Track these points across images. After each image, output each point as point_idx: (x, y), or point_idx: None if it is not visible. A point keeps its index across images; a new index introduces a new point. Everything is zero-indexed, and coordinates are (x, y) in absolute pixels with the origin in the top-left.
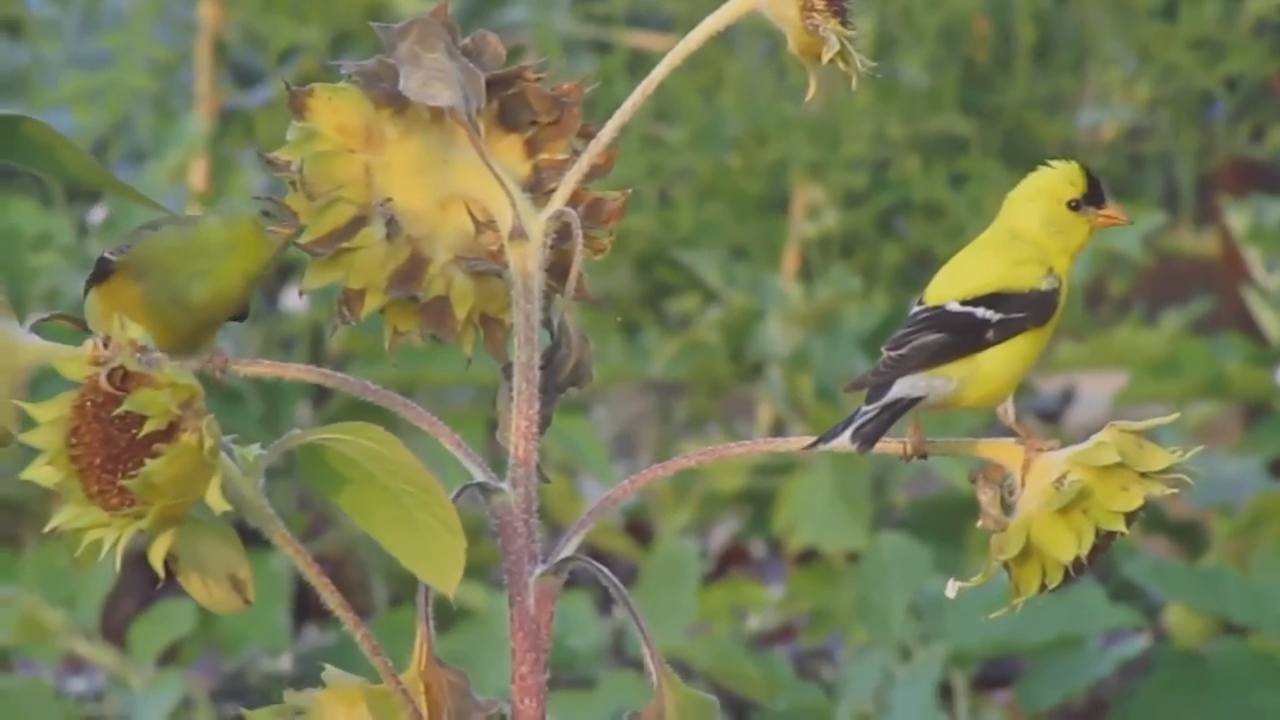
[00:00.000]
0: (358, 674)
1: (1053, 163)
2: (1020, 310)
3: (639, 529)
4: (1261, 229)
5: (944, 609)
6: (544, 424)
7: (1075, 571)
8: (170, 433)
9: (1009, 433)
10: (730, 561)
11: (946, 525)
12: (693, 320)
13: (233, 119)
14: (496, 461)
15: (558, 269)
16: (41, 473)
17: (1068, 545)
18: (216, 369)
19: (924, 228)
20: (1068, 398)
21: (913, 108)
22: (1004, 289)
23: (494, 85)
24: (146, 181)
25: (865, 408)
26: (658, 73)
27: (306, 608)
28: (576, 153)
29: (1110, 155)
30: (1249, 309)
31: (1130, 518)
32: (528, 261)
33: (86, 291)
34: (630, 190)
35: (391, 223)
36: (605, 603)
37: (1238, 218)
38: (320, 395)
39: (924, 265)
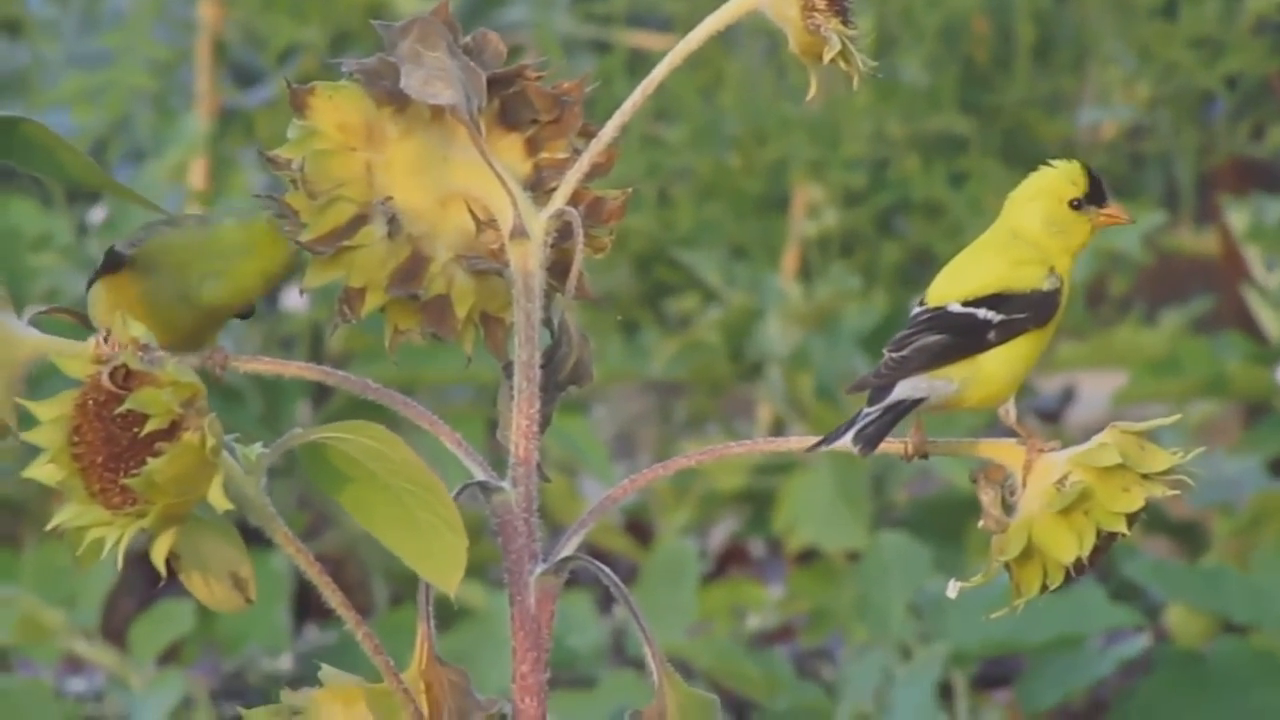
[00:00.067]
0: (358, 673)
1: (1054, 162)
2: (1022, 311)
3: (638, 528)
4: (1261, 228)
5: (944, 608)
6: (545, 423)
7: (1076, 572)
8: (172, 431)
9: (1010, 433)
10: (730, 561)
11: (947, 524)
12: (692, 320)
13: (232, 118)
14: (496, 460)
15: (558, 268)
16: (43, 471)
17: (1069, 546)
18: (217, 366)
19: (924, 227)
20: (1068, 397)
21: (912, 107)
22: (1005, 290)
23: (495, 84)
24: (146, 181)
25: (867, 409)
26: (658, 72)
27: (307, 607)
28: (577, 152)
29: (1110, 154)
30: (1249, 308)
31: (1132, 519)
32: (529, 260)
33: (94, 282)
34: (630, 189)
35: (392, 221)
36: (605, 602)
37: (1238, 216)
38: (320, 394)
39: (923, 264)
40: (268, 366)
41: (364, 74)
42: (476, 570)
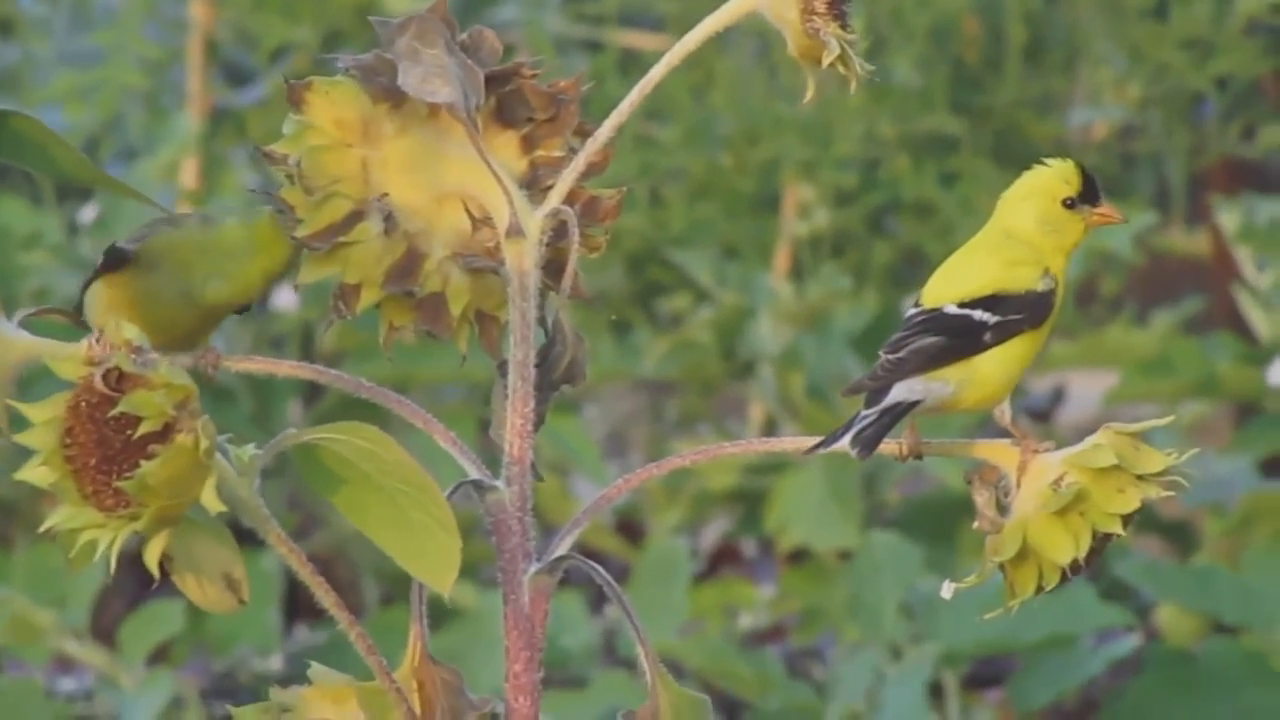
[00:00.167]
0: (348, 673)
1: (1048, 161)
2: (1017, 312)
3: (630, 528)
4: (1252, 228)
5: (935, 608)
6: (539, 422)
7: (1072, 573)
8: (166, 434)
9: (1004, 433)
10: (721, 560)
11: (938, 524)
12: (684, 319)
13: (224, 117)
14: (489, 459)
15: (553, 266)
16: (36, 473)
17: (1065, 547)
18: (209, 366)
19: (915, 227)
20: (1058, 396)
21: (904, 107)
22: (1001, 291)
23: (491, 82)
24: (138, 179)
25: (864, 411)
26: (656, 72)
27: (297, 607)
28: (573, 150)
29: (1101, 154)
30: (1240, 308)
31: (1127, 520)
32: (524, 259)
33: (93, 280)
34: (625, 188)
35: (388, 218)
36: (596, 602)
37: (1229, 217)
38: (311, 393)
39: (915, 264)
40: (260, 366)
41: (361, 70)
42: (468, 569)
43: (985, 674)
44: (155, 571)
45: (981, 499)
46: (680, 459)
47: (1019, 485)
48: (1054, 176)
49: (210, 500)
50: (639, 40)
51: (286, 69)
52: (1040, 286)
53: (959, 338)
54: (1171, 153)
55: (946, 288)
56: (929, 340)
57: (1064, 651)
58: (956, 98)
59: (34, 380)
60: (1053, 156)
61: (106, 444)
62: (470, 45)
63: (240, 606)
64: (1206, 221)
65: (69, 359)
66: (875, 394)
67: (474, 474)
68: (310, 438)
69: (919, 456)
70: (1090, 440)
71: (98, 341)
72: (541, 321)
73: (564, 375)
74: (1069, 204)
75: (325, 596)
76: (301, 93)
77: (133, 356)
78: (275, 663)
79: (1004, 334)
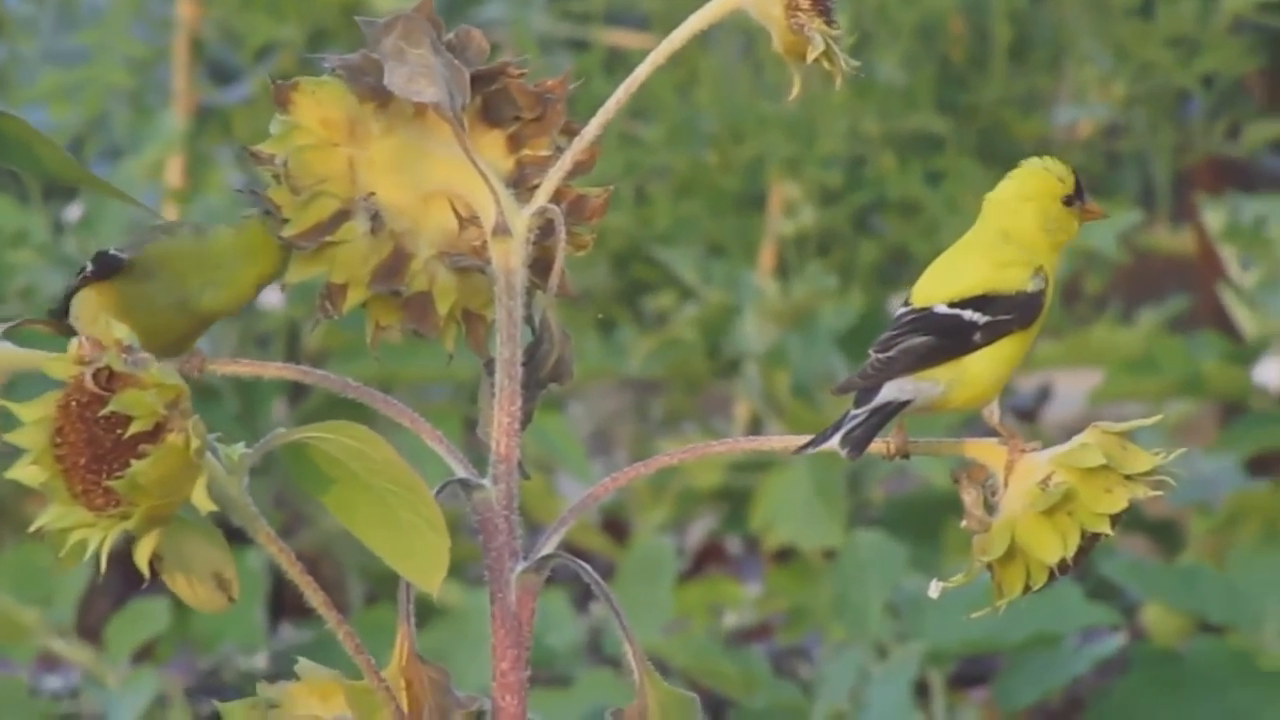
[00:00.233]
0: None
1: (1037, 160)
2: (1007, 312)
3: (615, 526)
4: (1237, 227)
5: (921, 607)
6: (525, 420)
7: (1060, 572)
8: (156, 433)
9: (991, 432)
10: (707, 559)
11: (924, 523)
12: (669, 317)
13: (210, 116)
14: (474, 458)
15: (539, 265)
16: (26, 472)
17: (1053, 547)
18: (194, 369)
19: (900, 225)
20: (1044, 395)
21: (889, 105)
22: (991, 291)
23: (478, 81)
24: (123, 178)
25: (854, 411)
26: (642, 70)
27: (282, 605)
28: (559, 149)
29: (1087, 153)
30: (1225, 307)
31: (1115, 519)
32: (511, 258)
33: (80, 287)
34: (611, 187)
35: (375, 217)
36: (582, 600)
37: (1214, 216)
38: (296, 392)
39: (900, 263)
40: (247, 369)
41: (347, 70)
42: (454, 568)
43: (971, 673)
44: (145, 571)
45: (969, 498)
46: (667, 458)
47: (1007, 484)
48: (1051, 176)
49: (201, 499)
50: (624, 38)
51: (272, 67)
52: (1030, 287)
53: (949, 337)
54: (1157, 151)
55: (936, 287)
56: (919, 340)
57: (1050, 651)
58: (942, 96)
59: (25, 381)
60: (1037, 155)
61: (97, 443)
62: (456, 44)
63: (229, 606)
64: (1192, 220)
65: (59, 358)
66: (865, 393)
67: (461, 473)
68: (300, 436)
69: (906, 456)
70: (1078, 440)
71: (88, 341)
72: (528, 320)
73: (551, 374)
74: (1067, 201)
75: (314, 595)
76: (288, 93)
77: (123, 356)
78: (260, 661)
79: (994, 334)
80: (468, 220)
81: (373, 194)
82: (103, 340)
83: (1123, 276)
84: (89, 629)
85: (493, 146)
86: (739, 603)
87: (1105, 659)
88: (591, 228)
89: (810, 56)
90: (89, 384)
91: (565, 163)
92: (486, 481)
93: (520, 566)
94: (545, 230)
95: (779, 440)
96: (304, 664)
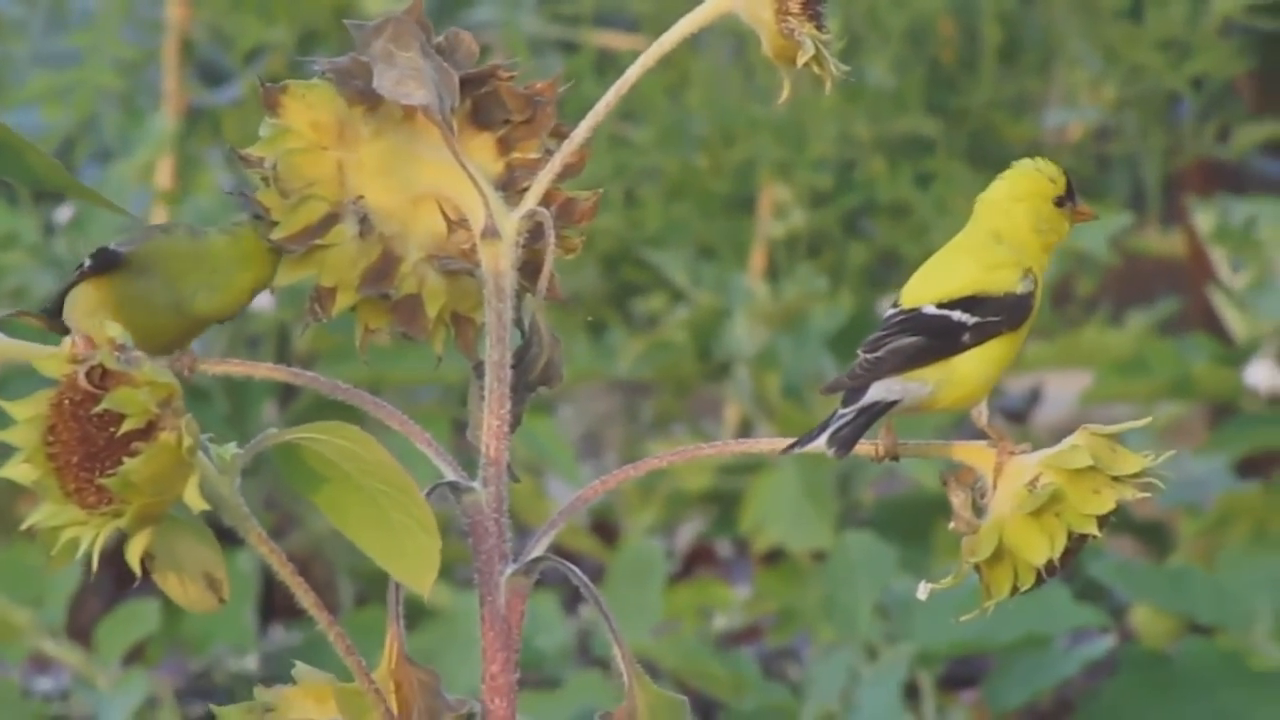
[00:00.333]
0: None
1: (1029, 162)
2: (996, 314)
3: (604, 528)
4: (1227, 229)
5: (910, 608)
6: (515, 423)
7: (1047, 574)
8: (149, 431)
9: (980, 434)
10: (696, 561)
11: (913, 524)
12: (659, 319)
13: (199, 118)
14: (464, 460)
15: (529, 268)
16: (18, 470)
17: (1040, 548)
18: (184, 369)
19: (890, 228)
20: (1034, 397)
21: (879, 108)
22: (980, 292)
23: (467, 84)
24: (113, 180)
25: (841, 411)
26: (632, 73)
27: (273, 607)
28: (549, 152)
29: (1077, 156)
30: (1215, 309)
31: (1102, 521)
32: (500, 260)
33: (76, 282)
34: (600, 190)
35: (364, 220)
36: (570, 602)
37: (1204, 218)
38: (286, 393)
39: (890, 265)
40: (238, 369)
41: (336, 73)
42: (443, 570)
43: (960, 674)
44: (137, 569)
45: (958, 500)
46: (657, 460)
47: (995, 486)
48: (1043, 177)
49: (193, 498)
50: (614, 41)
51: (262, 69)
52: (1020, 289)
53: (937, 338)
54: (1147, 154)
55: (926, 288)
56: (907, 340)
57: (1039, 652)
58: (931, 99)
59: (17, 377)
60: (1027, 158)
61: (89, 441)
62: (446, 47)
63: (220, 606)
64: (1182, 222)
65: (53, 356)
66: (852, 393)
67: (450, 475)
68: (292, 437)
69: (895, 457)
70: (1067, 441)
71: (81, 339)
72: (518, 323)
73: (540, 376)
74: (1058, 202)
75: (305, 596)
76: (277, 96)
77: (116, 354)
78: (251, 663)
79: (982, 335)
80: (457, 223)
81: (362, 197)
82: (96, 338)
83: (1113, 278)
84: (80, 630)
85: (482, 149)
86: (728, 605)
87: (1094, 660)
88: (581, 230)
89: (800, 61)
90: (82, 382)
91: (555, 165)
92: (476, 484)
93: (510, 569)
94: (535, 233)
95: (768, 442)
96: (301, 668)
